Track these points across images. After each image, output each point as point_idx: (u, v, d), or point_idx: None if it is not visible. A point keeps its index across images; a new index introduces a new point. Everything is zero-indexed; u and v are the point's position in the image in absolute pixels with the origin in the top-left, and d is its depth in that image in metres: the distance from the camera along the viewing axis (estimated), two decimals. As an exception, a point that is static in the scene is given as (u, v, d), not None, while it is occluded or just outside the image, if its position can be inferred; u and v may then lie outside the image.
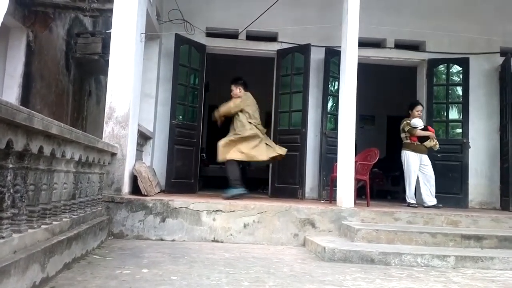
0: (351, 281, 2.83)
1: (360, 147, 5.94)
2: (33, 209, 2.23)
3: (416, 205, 5.50)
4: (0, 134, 1.76)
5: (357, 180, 4.86)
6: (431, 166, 5.72)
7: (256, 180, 8.14)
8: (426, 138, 5.71)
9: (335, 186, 4.94)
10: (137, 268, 2.86)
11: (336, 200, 4.87)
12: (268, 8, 5.60)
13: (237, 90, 5.40)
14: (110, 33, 4.84)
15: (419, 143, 5.72)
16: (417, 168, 5.68)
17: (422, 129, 5.74)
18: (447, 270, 3.34)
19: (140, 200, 4.23)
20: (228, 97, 5.51)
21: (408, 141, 5.77)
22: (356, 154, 4.86)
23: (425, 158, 5.73)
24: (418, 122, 5.75)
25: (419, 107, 5.87)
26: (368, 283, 2.79)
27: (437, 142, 5.75)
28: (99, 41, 6.54)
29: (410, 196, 5.67)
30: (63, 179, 2.72)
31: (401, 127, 5.86)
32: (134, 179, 4.58)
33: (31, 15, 5.78)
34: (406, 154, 5.74)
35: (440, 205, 5.53)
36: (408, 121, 5.81)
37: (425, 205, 5.55)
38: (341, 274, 3.02)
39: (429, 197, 5.63)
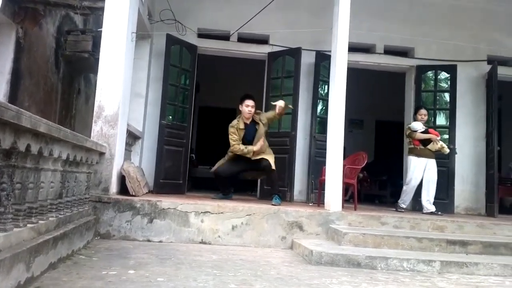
0: (338, 284, 2.85)
1: (348, 151, 6.00)
2: (19, 207, 2.20)
3: (403, 211, 5.50)
4: (-14, 131, 1.74)
5: (345, 184, 4.90)
6: (435, 171, 5.60)
7: (245, 183, 8.15)
8: (429, 141, 5.58)
9: (324, 189, 4.97)
10: (123, 269, 2.84)
11: (324, 203, 4.90)
12: (260, 11, 5.63)
13: (253, 108, 5.11)
14: (100, 31, 4.80)
15: (423, 147, 5.60)
16: (420, 174, 5.56)
17: (423, 132, 5.62)
18: (432, 275, 3.38)
19: (128, 200, 4.20)
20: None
21: (411, 145, 5.69)
22: (344, 158, 4.90)
23: (431, 163, 5.59)
24: (417, 125, 5.67)
25: (421, 111, 5.77)
26: (354, 287, 2.81)
27: (444, 145, 5.60)
28: (90, 39, 6.47)
29: (402, 201, 5.64)
30: (50, 178, 2.69)
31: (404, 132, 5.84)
32: (122, 179, 4.54)
33: (21, 11, 5.72)
34: (409, 159, 5.68)
35: (440, 212, 5.43)
36: (409, 125, 5.77)
37: (424, 211, 5.48)
38: (327, 277, 3.04)
39: (429, 204, 5.54)
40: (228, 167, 5.15)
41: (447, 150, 5.64)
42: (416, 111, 5.85)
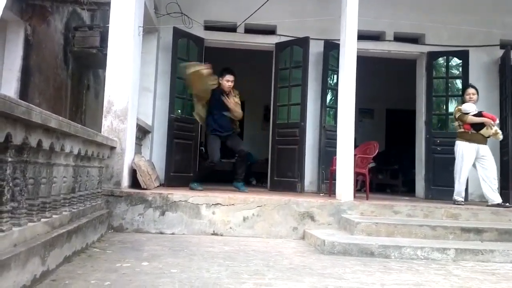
0: (351, 274, 2.84)
1: (359, 141, 5.93)
2: (32, 202, 2.23)
3: (463, 203, 4.96)
4: (-2, 127, 1.75)
5: (356, 174, 4.86)
6: (491, 158, 5.08)
7: (257, 174, 8.16)
8: (482, 126, 5.04)
9: (335, 180, 4.94)
10: (137, 261, 2.86)
11: (335, 194, 4.87)
12: (267, 1, 5.57)
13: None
14: (108, 26, 4.80)
15: (474, 132, 5.05)
16: (471, 161, 5.07)
17: (475, 115, 5.06)
18: (447, 263, 3.35)
19: (140, 193, 4.23)
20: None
21: (461, 129, 5.15)
22: (355, 148, 4.86)
23: (484, 149, 5.07)
24: (469, 107, 5.10)
25: (469, 90, 5.21)
26: (368, 276, 2.80)
27: (499, 131, 5.09)
28: (97, 35, 6.48)
29: (457, 192, 5.09)
30: (62, 172, 2.71)
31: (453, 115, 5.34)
32: (133, 173, 4.57)
33: (29, 8, 5.74)
34: (459, 145, 5.14)
35: (508, 204, 4.95)
36: (460, 107, 5.22)
37: (489, 203, 4.94)
38: (340, 267, 3.03)
39: (492, 194, 4.99)
40: (213, 146, 5.21)
41: (501, 137, 5.17)
42: (463, 91, 5.33)
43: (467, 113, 5.10)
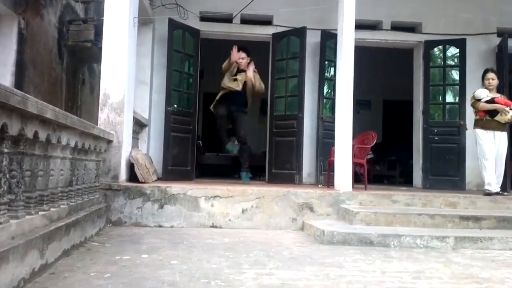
0: (351, 262, 2.84)
1: (356, 132, 5.90)
2: (30, 195, 2.20)
3: (496, 192, 4.77)
4: (-7, 117, 1.72)
5: (354, 164, 4.86)
6: (504, 146, 4.95)
7: (254, 168, 8.13)
8: (496, 112, 4.90)
9: (333, 171, 4.93)
10: (136, 254, 2.85)
11: (333, 185, 4.87)
12: (263, -9, 5.53)
13: (247, 60, 5.46)
14: (102, 20, 4.74)
15: (490, 119, 4.92)
16: (490, 147, 4.89)
17: (488, 102, 4.92)
18: (446, 250, 3.36)
19: (138, 187, 4.20)
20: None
21: (477, 116, 5.03)
22: (352, 139, 4.84)
23: (500, 136, 4.93)
24: (481, 93, 4.98)
25: (489, 75, 5.03)
26: (368, 265, 2.80)
27: None
28: (92, 28, 6.41)
29: (487, 183, 4.87)
30: (59, 165, 2.68)
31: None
32: (131, 166, 4.54)
33: (22, 2, 5.65)
34: (475, 133, 5.02)
35: (506, 193, 4.93)
36: (474, 93, 5.09)
37: (486, 191, 4.84)
38: (340, 256, 3.03)
39: (492, 183, 4.85)
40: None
41: None
42: (483, 76, 5.15)
43: (479, 100, 4.99)
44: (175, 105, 5.78)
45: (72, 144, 2.82)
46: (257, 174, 7.65)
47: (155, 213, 4.16)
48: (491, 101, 4.96)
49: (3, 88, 1.70)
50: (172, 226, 4.14)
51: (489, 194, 4.75)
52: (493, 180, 4.89)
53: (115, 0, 4.46)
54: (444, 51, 6.42)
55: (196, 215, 4.20)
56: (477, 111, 5.05)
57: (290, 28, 6.13)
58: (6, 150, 1.89)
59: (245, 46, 5.50)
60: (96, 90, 7.54)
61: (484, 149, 4.93)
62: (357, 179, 5.83)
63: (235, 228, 4.19)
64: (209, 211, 4.21)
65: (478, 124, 5.04)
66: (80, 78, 7.45)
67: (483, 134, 4.96)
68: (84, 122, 3.07)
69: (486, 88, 5.05)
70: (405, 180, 7.46)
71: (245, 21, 6.26)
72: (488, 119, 4.96)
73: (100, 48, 4.91)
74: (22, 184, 2.09)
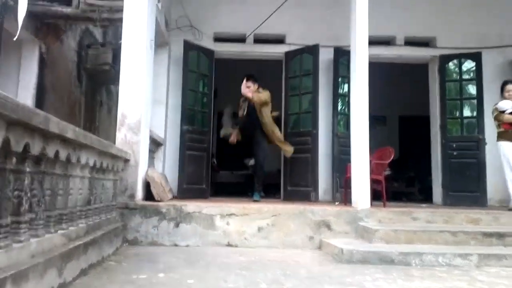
0: (372, 281, 2.77)
1: (371, 149, 5.85)
2: (50, 214, 2.23)
3: None
4: (17, 137, 1.76)
5: (372, 180, 4.79)
6: None
7: (269, 186, 8.10)
8: None
9: (350, 188, 4.87)
10: (153, 273, 2.83)
11: (350, 202, 4.79)
12: (275, 11, 5.62)
13: (255, 87, 5.39)
14: (120, 43, 4.87)
15: None
16: None
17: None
18: (470, 268, 3.25)
19: (154, 205, 4.22)
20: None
21: (501, 129, 4.92)
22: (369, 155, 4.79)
23: None
24: (505, 105, 4.88)
25: (508, 86, 4.93)
26: (390, 284, 2.72)
27: None
28: (109, 52, 6.59)
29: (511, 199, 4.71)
30: (78, 184, 2.72)
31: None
32: (147, 185, 4.57)
33: (43, 27, 5.89)
34: (500, 145, 4.89)
35: None
36: (496, 106, 5.00)
37: (511, 207, 4.67)
38: (360, 275, 2.95)
39: None
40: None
41: None
42: (502, 88, 5.07)
43: (503, 111, 4.89)
44: (190, 124, 5.84)
45: (91, 163, 2.87)
46: (272, 192, 7.61)
47: (171, 232, 4.16)
48: None
49: (26, 108, 1.75)
50: (187, 245, 4.13)
51: None
52: None
53: (133, 25, 4.58)
54: (460, 65, 6.35)
55: (212, 234, 4.17)
56: (500, 123, 4.92)
57: (302, 46, 6.19)
58: (28, 170, 1.93)
59: (251, 74, 5.49)
60: (114, 110, 7.68)
61: (511, 162, 4.79)
62: (375, 196, 5.74)
63: (251, 246, 4.14)
64: (224, 230, 4.19)
65: (502, 136, 4.92)
66: (98, 99, 7.62)
67: (508, 147, 4.83)
68: (103, 141, 3.12)
69: (506, 100, 4.93)
70: (425, 197, 7.30)
71: (258, 40, 6.36)
72: None
73: (118, 71, 5.03)
74: (42, 203, 2.12)
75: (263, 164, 5.45)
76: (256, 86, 5.40)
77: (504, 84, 5.09)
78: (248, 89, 5.34)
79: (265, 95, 5.31)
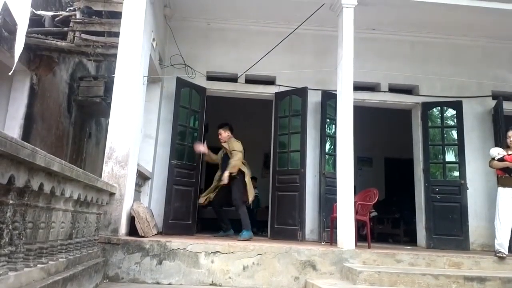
0: (355, 325, 2.73)
1: (358, 189, 5.92)
2: (30, 247, 2.20)
3: (504, 256, 4.53)
4: (2, 169, 1.77)
5: (357, 221, 4.81)
6: None
7: (257, 223, 8.04)
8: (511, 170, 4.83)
9: (336, 228, 4.88)
10: (132, 312, 2.76)
11: (337, 242, 4.79)
12: (266, 54, 5.83)
13: (225, 134, 5.73)
14: (112, 77, 4.97)
15: (508, 176, 4.85)
16: (506, 207, 4.80)
17: (499, 160, 4.90)
18: (452, 314, 3.23)
19: (137, 241, 4.15)
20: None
21: (498, 175, 5.01)
22: (354, 196, 4.84)
23: None
24: (493, 152, 5.03)
25: (509, 133, 5.00)
26: (372, 327, 2.69)
27: None
28: (102, 85, 6.68)
29: (498, 244, 4.70)
30: (61, 218, 2.69)
31: None
32: (131, 219, 4.51)
33: (36, 59, 5.96)
34: (497, 191, 4.96)
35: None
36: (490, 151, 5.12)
37: (499, 254, 4.57)
38: (343, 318, 2.92)
39: (504, 244, 4.66)
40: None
41: None
42: (505, 135, 5.17)
43: (493, 158, 5.01)
44: (179, 159, 5.86)
45: (75, 196, 2.85)
46: (260, 229, 7.55)
47: (153, 269, 4.07)
48: (502, 159, 4.92)
49: (14, 141, 1.77)
50: (170, 284, 4.03)
51: (501, 256, 4.53)
52: (505, 241, 4.71)
53: (127, 61, 4.69)
54: (442, 112, 6.59)
55: (196, 272, 4.10)
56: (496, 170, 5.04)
57: (292, 88, 6.39)
58: (11, 202, 1.92)
59: (225, 123, 5.86)
60: (102, 143, 7.70)
61: (500, 208, 4.85)
62: (362, 236, 5.73)
63: (236, 286, 4.07)
64: (209, 268, 4.12)
65: (499, 182, 5.00)
66: (87, 131, 7.63)
67: (501, 193, 4.90)
68: (89, 174, 3.12)
69: (508, 146, 5.04)
70: (410, 239, 7.32)
71: (249, 80, 6.53)
72: (506, 176, 4.89)
73: (109, 104, 5.09)
74: (23, 236, 2.10)
75: (238, 203, 5.45)
76: (227, 133, 5.73)
77: (507, 130, 5.20)
78: (220, 136, 5.76)
79: (236, 145, 5.59)
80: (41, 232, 2.35)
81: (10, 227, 1.94)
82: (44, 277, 2.34)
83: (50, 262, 2.48)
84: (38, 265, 2.29)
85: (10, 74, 4.82)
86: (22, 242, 2.09)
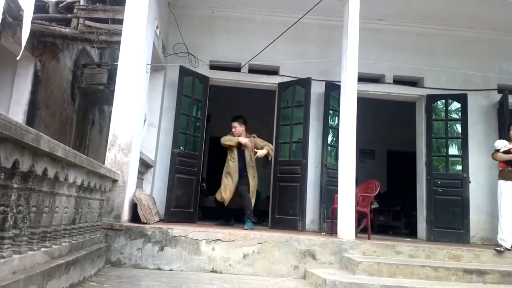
0: (353, 313, 2.77)
1: (360, 181, 5.93)
2: (34, 231, 2.23)
3: (502, 250, 4.48)
4: (7, 153, 1.79)
5: (358, 212, 4.83)
6: None
7: (258, 212, 8.09)
8: None
9: (336, 219, 4.90)
10: (134, 296, 2.80)
11: (337, 233, 4.82)
12: (270, 44, 5.79)
13: (240, 128, 5.61)
14: (116, 64, 4.97)
15: (511, 169, 4.82)
16: (507, 200, 4.77)
17: (505, 152, 4.87)
18: (450, 305, 3.27)
19: (139, 227, 4.19)
20: (229, 129, 5.64)
21: (499, 168, 5.00)
22: (356, 187, 4.86)
23: None
24: (498, 144, 4.99)
25: None
26: (370, 316, 2.73)
27: None
28: (105, 72, 6.69)
29: (501, 239, 4.70)
30: (64, 203, 2.72)
31: None
32: (133, 206, 4.56)
33: (40, 45, 5.97)
34: (498, 184, 4.92)
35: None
36: (494, 144, 5.12)
37: (498, 247, 4.54)
38: (342, 306, 2.95)
39: (506, 239, 4.65)
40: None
41: None
42: (509, 128, 5.16)
43: (498, 150, 4.98)
44: (182, 147, 5.88)
45: (79, 182, 2.88)
46: (261, 219, 7.60)
47: (155, 255, 4.12)
48: (508, 151, 4.89)
49: (18, 125, 1.78)
50: (171, 270, 4.09)
51: (500, 250, 4.49)
52: (508, 236, 4.69)
53: (130, 48, 4.69)
54: (446, 105, 6.54)
55: (196, 259, 4.15)
56: (499, 162, 5.02)
57: (295, 78, 6.36)
58: (15, 186, 1.94)
59: (239, 115, 5.74)
60: (105, 130, 7.73)
61: (502, 201, 4.83)
62: (362, 228, 5.75)
63: (236, 273, 4.12)
64: (209, 255, 4.17)
65: (500, 175, 4.98)
66: (90, 118, 7.66)
67: (503, 185, 4.86)
68: (92, 161, 3.14)
69: (511, 139, 5.02)
70: (410, 232, 7.35)
71: (253, 70, 6.51)
72: (509, 169, 4.86)
73: (112, 91, 5.10)
74: (27, 220, 2.12)
75: (243, 193, 5.46)
76: (242, 127, 5.62)
77: (510, 125, 5.23)
78: (234, 129, 5.62)
79: (260, 140, 5.63)
80: (44, 216, 2.38)
81: (15, 211, 1.97)
82: (47, 260, 2.38)
83: (54, 246, 2.52)
84: (42, 249, 2.32)
85: (17, 59, 4.83)
86: (26, 225, 2.12)
